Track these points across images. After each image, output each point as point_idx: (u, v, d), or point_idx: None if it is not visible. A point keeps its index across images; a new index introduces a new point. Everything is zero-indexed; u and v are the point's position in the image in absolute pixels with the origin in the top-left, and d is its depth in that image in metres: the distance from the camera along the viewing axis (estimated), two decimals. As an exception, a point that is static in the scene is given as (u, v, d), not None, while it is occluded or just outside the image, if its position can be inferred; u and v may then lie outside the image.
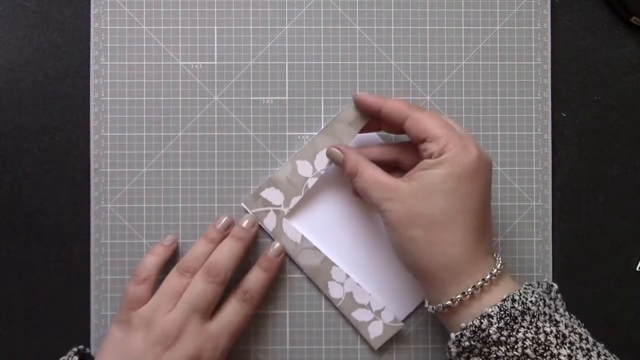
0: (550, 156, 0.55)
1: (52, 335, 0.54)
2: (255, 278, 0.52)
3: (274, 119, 0.55)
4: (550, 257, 0.55)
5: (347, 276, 0.54)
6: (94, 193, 0.54)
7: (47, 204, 0.55)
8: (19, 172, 0.55)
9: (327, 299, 0.54)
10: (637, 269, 0.56)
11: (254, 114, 0.55)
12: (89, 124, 0.55)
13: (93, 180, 0.54)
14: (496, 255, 0.47)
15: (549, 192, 0.55)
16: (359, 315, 0.54)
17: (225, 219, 0.52)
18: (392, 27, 0.55)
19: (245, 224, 0.52)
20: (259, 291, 0.51)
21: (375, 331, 0.54)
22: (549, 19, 0.56)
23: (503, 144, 0.55)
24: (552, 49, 0.56)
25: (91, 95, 0.55)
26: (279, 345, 0.54)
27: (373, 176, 0.48)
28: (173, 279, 0.50)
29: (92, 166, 0.54)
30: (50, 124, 0.55)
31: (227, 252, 0.51)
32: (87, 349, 0.53)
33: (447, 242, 0.45)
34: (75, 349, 0.51)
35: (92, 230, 0.54)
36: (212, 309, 0.50)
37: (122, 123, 0.55)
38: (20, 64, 0.55)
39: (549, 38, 0.56)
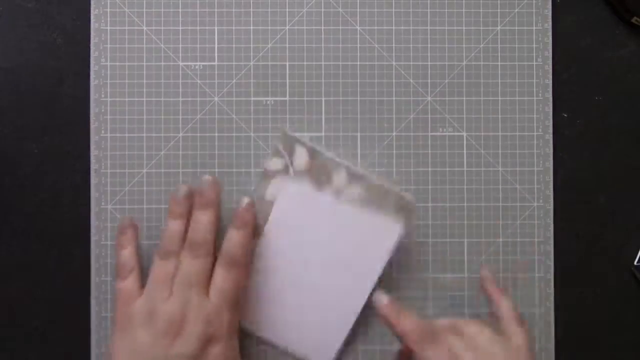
0: (552, 157, 0.55)
1: (52, 337, 0.54)
2: (231, 239, 0.50)
3: (274, 119, 0.55)
4: (552, 257, 0.55)
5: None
6: (94, 194, 0.54)
7: (47, 205, 0.55)
8: (19, 173, 0.55)
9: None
10: (636, 262, 0.56)
11: (255, 115, 0.55)
12: (89, 124, 0.55)
13: (93, 181, 0.54)
14: None
15: (550, 192, 0.55)
16: None
17: (182, 188, 0.51)
18: (393, 28, 0.55)
19: (206, 186, 0.51)
20: (240, 252, 0.50)
21: None
22: (549, 19, 0.56)
23: (504, 144, 0.55)
24: (553, 49, 0.56)
25: (91, 96, 0.55)
26: (279, 346, 0.54)
27: (413, 324, 0.47)
28: (158, 265, 0.49)
29: (92, 167, 0.54)
30: (50, 125, 0.55)
31: (201, 224, 0.50)
32: None
33: None
34: None
35: (93, 231, 0.54)
36: (208, 283, 0.49)
37: (123, 124, 0.54)
38: (20, 64, 0.55)
39: (550, 38, 0.56)
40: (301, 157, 0.54)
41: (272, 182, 0.54)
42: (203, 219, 0.50)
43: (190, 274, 0.48)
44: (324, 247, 0.53)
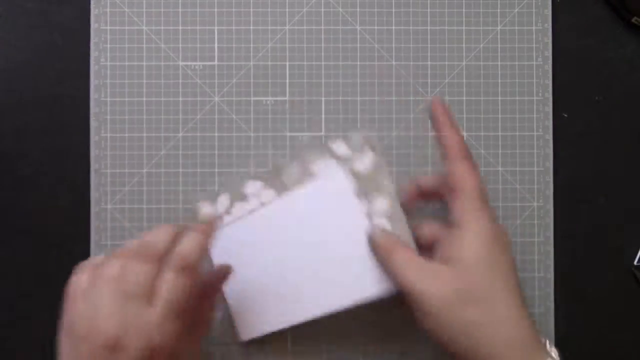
0: (552, 157, 0.55)
1: (52, 337, 0.54)
2: (189, 242, 0.44)
3: (274, 119, 0.55)
4: (552, 257, 0.55)
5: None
6: (94, 194, 0.54)
7: (47, 205, 0.55)
8: (19, 173, 0.55)
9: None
10: (635, 262, 0.56)
11: (255, 115, 0.55)
12: (89, 124, 0.55)
13: (93, 181, 0.54)
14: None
15: (551, 192, 0.55)
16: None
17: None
18: (393, 28, 0.55)
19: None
20: (195, 255, 0.44)
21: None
22: (549, 19, 0.56)
23: (504, 144, 0.55)
24: (553, 49, 0.56)
25: (91, 96, 0.55)
26: (279, 346, 0.54)
27: (409, 255, 0.46)
28: (107, 264, 0.43)
29: (92, 167, 0.54)
30: (50, 125, 0.55)
31: (185, 241, 0.44)
32: None
33: (510, 318, 0.43)
34: None
35: (93, 231, 0.54)
36: (151, 289, 0.42)
37: (123, 124, 0.54)
38: (20, 64, 0.55)
39: (550, 38, 0.56)
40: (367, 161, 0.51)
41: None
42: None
43: (130, 285, 0.41)
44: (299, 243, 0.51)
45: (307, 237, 0.51)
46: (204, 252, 0.45)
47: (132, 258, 0.42)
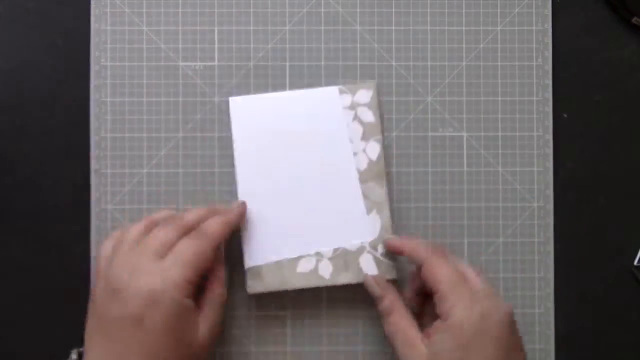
0: (552, 157, 0.55)
1: (52, 337, 0.54)
2: (212, 221, 0.50)
3: (274, 119, 0.55)
4: (552, 257, 0.55)
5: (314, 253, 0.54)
6: (94, 194, 0.54)
7: (47, 204, 0.55)
8: (19, 173, 0.55)
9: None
10: (635, 262, 0.56)
11: (255, 115, 0.55)
12: (89, 125, 0.55)
13: (93, 181, 0.54)
14: None
15: (551, 192, 0.55)
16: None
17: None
18: (393, 28, 0.55)
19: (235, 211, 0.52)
20: (214, 229, 0.49)
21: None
22: (549, 20, 0.56)
23: (504, 144, 0.55)
24: (553, 50, 0.56)
25: (91, 96, 0.55)
26: (279, 346, 0.54)
27: (400, 325, 0.48)
28: (128, 230, 0.49)
29: (93, 167, 0.54)
30: (51, 125, 0.55)
31: (201, 215, 0.50)
32: None
33: None
34: (76, 351, 0.50)
35: (93, 231, 0.54)
36: (168, 250, 0.47)
37: (123, 124, 0.54)
38: (21, 64, 0.55)
39: (550, 38, 0.56)
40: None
41: None
42: (211, 221, 0.50)
43: (150, 239, 0.47)
44: (295, 147, 0.54)
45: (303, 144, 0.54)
46: (226, 233, 0.50)
47: (159, 225, 0.48)
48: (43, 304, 0.55)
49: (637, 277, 0.56)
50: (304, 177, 0.54)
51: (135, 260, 0.46)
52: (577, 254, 0.56)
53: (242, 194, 0.53)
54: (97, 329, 0.46)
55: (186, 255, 0.46)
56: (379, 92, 0.55)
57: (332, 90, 0.54)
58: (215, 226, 0.49)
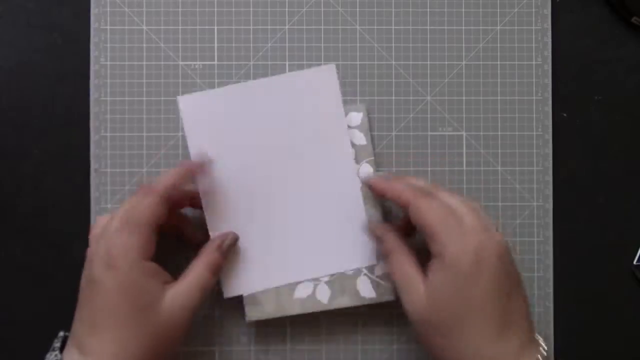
0: (551, 156, 0.55)
1: (52, 337, 0.54)
2: (169, 176, 0.49)
3: (274, 119, 0.55)
4: (551, 257, 0.55)
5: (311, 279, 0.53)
6: (94, 193, 0.54)
7: (47, 204, 0.55)
8: (19, 173, 0.55)
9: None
10: (635, 262, 0.56)
11: (254, 114, 0.55)
12: (89, 124, 0.55)
13: (93, 180, 0.54)
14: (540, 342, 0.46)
15: (550, 192, 0.55)
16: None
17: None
18: (393, 27, 0.55)
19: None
20: (163, 180, 0.48)
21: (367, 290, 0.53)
22: (549, 19, 0.56)
23: (504, 144, 0.55)
24: (552, 49, 0.56)
25: (91, 95, 0.55)
26: (279, 346, 0.54)
27: (399, 264, 0.48)
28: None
29: (93, 167, 0.54)
30: (50, 125, 0.55)
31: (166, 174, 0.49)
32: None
33: (468, 344, 0.44)
34: (61, 333, 0.50)
35: (92, 230, 0.54)
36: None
37: (122, 123, 0.55)
38: (20, 64, 0.55)
39: (550, 38, 0.56)
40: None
41: None
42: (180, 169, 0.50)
43: (120, 209, 0.47)
44: (278, 138, 0.53)
45: (285, 129, 0.53)
46: (174, 184, 0.48)
47: (132, 196, 0.48)
48: (43, 303, 0.55)
49: (637, 276, 0.56)
50: (296, 194, 0.53)
51: (105, 230, 0.47)
52: (577, 253, 0.56)
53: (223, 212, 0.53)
54: (80, 296, 0.47)
55: (133, 215, 0.46)
56: (379, 93, 0.55)
57: (329, 69, 0.54)
58: (163, 179, 0.48)
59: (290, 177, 0.53)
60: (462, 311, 0.44)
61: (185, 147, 0.54)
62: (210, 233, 0.52)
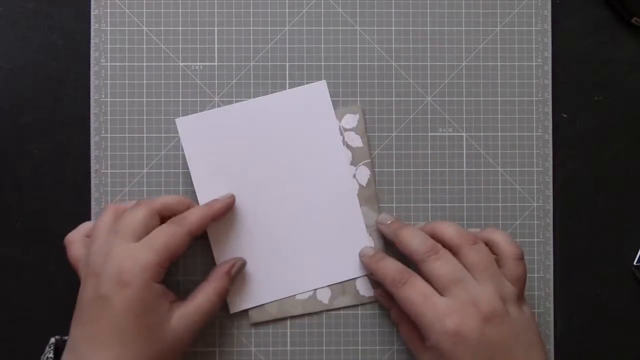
0: (551, 157, 0.55)
1: (52, 337, 0.54)
2: (194, 210, 0.50)
3: (274, 119, 0.55)
4: (551, 257, 0.55)
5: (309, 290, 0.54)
6: (94, 194, 0.54)
7: (47, 204, 0.55)
8: (19, 174, 0.55)
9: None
10: (635, 262, 0.56)
11: (255, 115, 0.55)
12: (89, 125, 0.55)
13: (93, 181, 0.54)
14: None
15: (550, 192, 0.55)
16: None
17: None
18: (393, 28, 0.55)
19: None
20: (194, 219, 0.49)
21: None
22: (549, 20, 0.56)
23: (504, 144, 0.55)
24: (552, 50, 0.56)
25: (91, 96, 0.55)
26: (279, 346, 0.54)
27: (406, 334, 0.51)
28: (100, 217, 0.51)
29: (93, 167, 0.54)
30: (51, 125, 0.55)
31: (175, 200, 0.51)
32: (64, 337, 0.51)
33: None
34: (53, 339, 0.50)
35: (93, 231, 0.54)
36: (142, 233, 0.48)
37: (123, 124, 0.54)
38: (21, 65, 0.55)
39: (550, 39, 0.56)
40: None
41: None
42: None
43: (122, 222, 0.48)
44: (275, 155, 0.54)
45: (283, 146, 0.54)
46: (205, 225, 0.50)
47: (132, 207, 0.49)
48: (43, 304, 0.55)
49: (637, 277, 0.56)
50: (295, 209, 0.54)
51: (109, 244, 0.47)
52: (577, 253, 0.56)
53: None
54: (76, 315, 0.47)
55: (158, 240, 0.47)
56: (379, 93, 0.55)
57: (320, 85, 0.55)
58: (194, 216, 0.49)
59: (288, 192, 0.54)
60: None
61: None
62: (214, 251, 0.53)
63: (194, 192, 0.54)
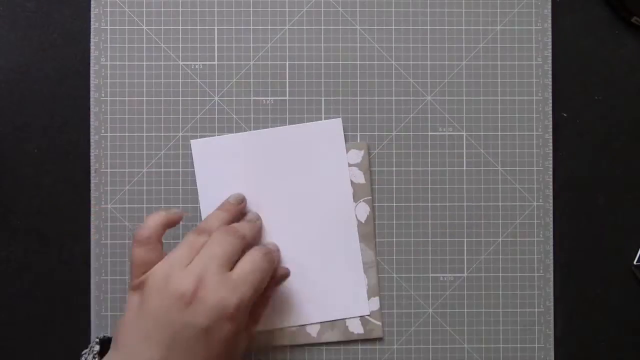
0: (551, 156, 0.55)
1: (52, 336, 0.54)
2: (247, 224, 0.52)
3: (274, 119, 0.55)
4: (551, 257, 0.55)
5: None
6: (94, 193, 0.54)
7: (47, 204, 0.55)
8: (19, 173, 0.55)
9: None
10: (635, 262, 0.56)
11: (255, 114, 0.55)
12: (89, 124, 0.55)
13: (93, 180, 0.54)
14: None
15: (550, 192, 0.55)
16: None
17: (235, 195, 0.53)
18: (393, 27, 0.55)
19: (249, 217, 0.53)
20: (277, 254, 0.52)
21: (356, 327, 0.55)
22: (549, 19, 0.56)
23: (504, 144, 0.55)
24: (552, 49, 0.56)
25: (91, 95, 0.55)
26: (280, 345, 0.54)
27: None
28: (190, 237, 0.48)
29: (93, 166, 0.54)
30: (51, 124, 0.55)
31: (251, 223, 0.52)
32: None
33: None
34: (97, 339, 0.48)
35: (92, 230, 0.54)
36: (232, 262, 0.47)
37: (123, 123, 0.55)
38: (21, 64, 0.55)
39: (550, 38, 0.56)
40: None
41: None
42: (255, 223, 0.52)
43: (217, 248, 0.47)
44: (283, 185, 0.54)
45: (292, 180, 0.55)
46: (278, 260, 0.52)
47: (222, 233, 0.48)
48: (43, 304, 0.54)
49: (637, 276, 0.55)
50: (297, 241, 0.55)
51: (200, 268, 0.46)
52: (577, 253, 0.56)
53: None
54: (154, 332, 0.44)
55: (255, 274, 0.47)
56: (379, 93, 0.55)
57: (335, 122, 0.55)
58: (277, 253, 0.52)
59: (291, 224, 0.54)
60: None
61: (185, 147, 0.55)
62: None
63: (193, 191, 0.54)
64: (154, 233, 0.48)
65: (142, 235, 0.47)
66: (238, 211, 0.53)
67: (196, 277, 0.45)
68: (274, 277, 0.51)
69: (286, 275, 0.53)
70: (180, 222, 0.50)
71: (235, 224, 0.50)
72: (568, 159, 0.56)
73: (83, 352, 0.48)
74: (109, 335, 0.49)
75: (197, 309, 0.44)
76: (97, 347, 0.47)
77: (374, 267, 0.54)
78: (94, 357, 0.46)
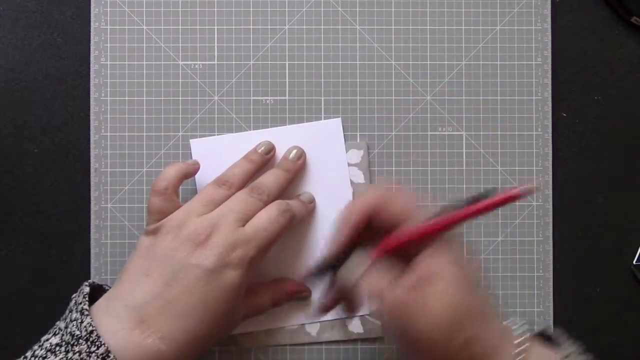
0: (551, 156, 0.55)
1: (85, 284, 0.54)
2: (299, 202, 0.52)
3: (274, 119, 0.55)
4: (551, 257, 0.55)
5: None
6: (94, 193, 0.54)
7: (47, 204, 0.55)
8: (19, 172, 0.55)
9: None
10: (635, 262, 0.56)
11: (254, 114, 0.55)
12: (89, 123, 0.55)
13: (93, 180, 0.54)
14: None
15: (550, 192, 0.55)
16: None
17: (266, 143, 0.53)
18: (393, 27, 0.55)
19: (292, 155, 0.53)
20: (300, 210, 0.51)
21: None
22: (549, 19, 0.56)
23: (503, 143, 0.55)
24: (552, 49, 0.56)
25: (91, 95, 0.55)
26: (279, 345, 0.54)
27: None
28: (209, 188, 0.49)
29: (92, 166, 0.54)
30: (51, 124, 0.55)
31: (271, 178, 0.51)
32: (106, 286, 0.50)
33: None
34: (87, 283, 0.48)
35: (92, 230, 0.54)
36: (248, 219, 0.47)
37: (122, 123, 0.55)
38: (21, 64, 0.55)
39: (549, 38, 0.56)
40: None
41: None
42: (276, 176, 0.51)
43: (237, 204, 0.47)
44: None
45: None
46: (304, 216, 0.52)
47: (246, 193, 0.48)
48: (43, 303, 0.55)
49: (637, 276, 0.56)
50: (295, 240, 0.54)
51: (216, 218, 0.46)
52: (577, 253, 0.56)
53: None
54: (155, 268, 0.45)
55: (268, 230, 0.47)
56: (379, 92, 0.55)
57: (335, 122, 0.55)
58: (300, 209, 0.51)
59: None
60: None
61: (185, 146, 0.55)
62: None
63: (192, 191, 0.54)
64: (171, 184, 0.48)
65: (159, 185, 0.48)
66: (264, 162, 0.52)
67: (210, 224, 0.46)
68: (288, 291, 0.53)
69: (303, 296, 0.54)
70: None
71: (289, 201, 0.50)
72: (568, 159, 0.56)
73: (73, 296, 0.48)
74: (99, 283, 0.50)
75: (204, 252, 0.45)
76: (86, 289, 0.47)
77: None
78: (84, 298, 0.46)
